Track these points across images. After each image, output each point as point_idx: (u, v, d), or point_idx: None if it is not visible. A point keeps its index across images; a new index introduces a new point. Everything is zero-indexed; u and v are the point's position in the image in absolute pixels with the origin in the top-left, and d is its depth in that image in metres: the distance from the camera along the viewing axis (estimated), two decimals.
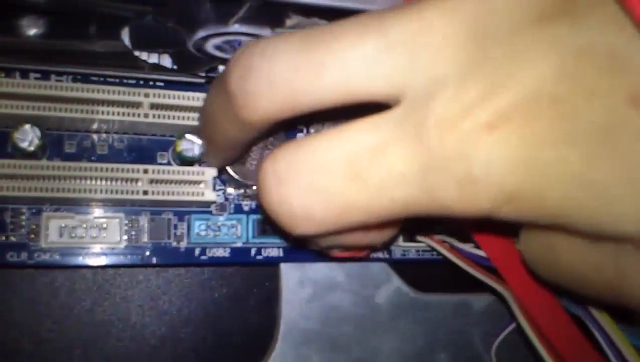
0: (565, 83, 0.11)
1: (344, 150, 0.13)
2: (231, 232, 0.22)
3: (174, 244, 0.21)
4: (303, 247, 0.22)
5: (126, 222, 0.21)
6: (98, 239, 0.21)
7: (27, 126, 0.19)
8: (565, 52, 0.11)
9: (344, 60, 0.13)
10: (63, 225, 0.20)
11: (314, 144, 0.14)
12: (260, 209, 0.22)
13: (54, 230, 0.20)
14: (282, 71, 0.14)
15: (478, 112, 0.11)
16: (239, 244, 0.22)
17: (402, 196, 0.13)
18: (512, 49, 0.11)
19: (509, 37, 0.12)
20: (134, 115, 0.20)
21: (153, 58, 0.19)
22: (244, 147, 0.19)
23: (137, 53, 0.19)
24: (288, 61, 0.14)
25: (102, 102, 0.20)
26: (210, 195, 0.21)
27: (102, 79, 0.21)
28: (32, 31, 0.18)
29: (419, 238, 0.23)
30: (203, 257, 0.22)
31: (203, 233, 0.22)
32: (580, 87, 0.11)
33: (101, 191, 0.19)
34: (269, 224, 0.22)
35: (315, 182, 0.14)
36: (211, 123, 0.18)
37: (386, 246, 0.23)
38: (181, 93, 0.20)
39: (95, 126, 0.21)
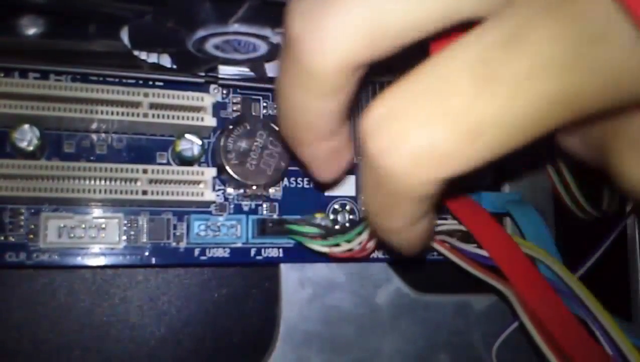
0: None
1: (469, 54, 0.11)
2: (231, 233, 0.22)
3: (174, 244, 0.21)
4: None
5: (125, 222, 0.21)
6: (97, 239, 0.20)
7: (26, 126, 0.19)
8: None
9: None
10: (62, 225, 0.20)
11: (432, 64, 0.12)
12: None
13: (53, 230, 0.20)
14: None
15: None
16: (239, 245, 0.22)
17: (548, 88, 0.11)
18: None
19: None
20: (133, 115, 0.20)
21: (152, 58, 0.19)
22: (334, 127, 0.16)
23: (136, 53, 0.19)
24: None
25: (102, 102, 0.20)
26: (209, 195, 0.21)
27: (101, 78, 0.21)
28: (32, 31, 0.18)
29: None
30: (203, 258, 0.22)
31: (202, 233, 0.22)
32: None
33: (100, 191, 0.19)
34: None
35: (441, 105, 0.11)
36: (287, 106, 0.15)
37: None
38: (181, 93, 0.20)
39: (94, 126, 0.20)
